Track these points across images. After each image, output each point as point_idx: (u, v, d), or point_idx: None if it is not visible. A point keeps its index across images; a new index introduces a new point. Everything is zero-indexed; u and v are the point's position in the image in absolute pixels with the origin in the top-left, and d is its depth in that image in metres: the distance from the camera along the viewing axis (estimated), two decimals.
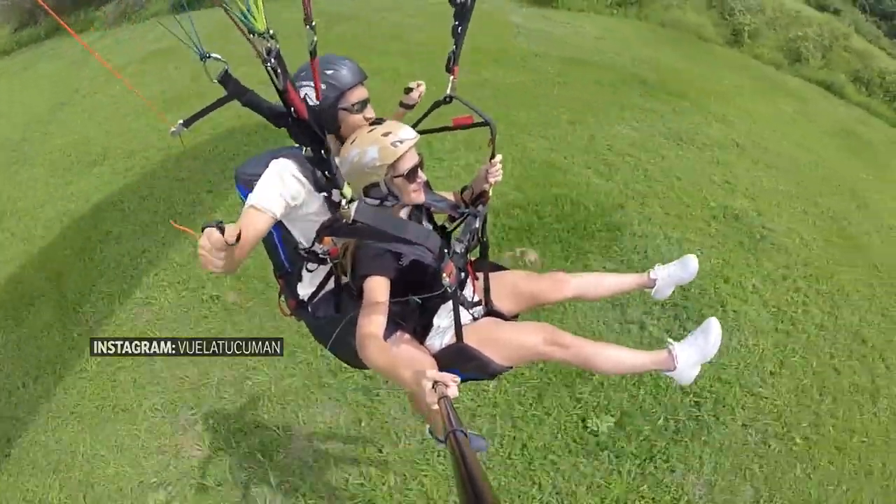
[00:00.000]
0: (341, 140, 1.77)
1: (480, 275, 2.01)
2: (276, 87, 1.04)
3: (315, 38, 1.07)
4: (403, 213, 1.81)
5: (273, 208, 1.57)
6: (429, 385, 1.20)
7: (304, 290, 1.96)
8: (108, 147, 6.69)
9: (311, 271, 1.91)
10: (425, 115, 1.96)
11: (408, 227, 1.53)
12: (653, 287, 2.16)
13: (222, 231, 1.11)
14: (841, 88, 12.75)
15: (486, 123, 1.82)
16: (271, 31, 0.97)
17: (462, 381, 1.79)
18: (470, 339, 1.76)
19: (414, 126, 1.83)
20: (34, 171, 6.71)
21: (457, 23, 1.74)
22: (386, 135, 1.63)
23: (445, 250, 1.71)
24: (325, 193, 1.65)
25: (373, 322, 1.53)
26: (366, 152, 1.63)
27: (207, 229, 1.12)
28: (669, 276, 2.13)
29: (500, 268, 2.18)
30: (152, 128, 6.62)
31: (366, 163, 1.63)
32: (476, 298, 1.98)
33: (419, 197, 1.74)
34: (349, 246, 1.73)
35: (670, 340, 1.86)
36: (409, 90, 2.04)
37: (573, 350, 1.76)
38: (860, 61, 13.83)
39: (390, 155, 1.61)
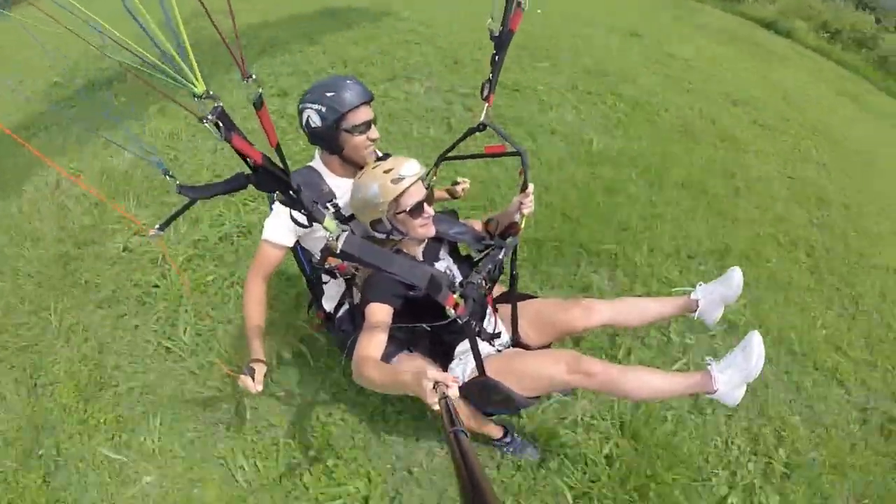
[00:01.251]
0: (347, 161, 1.80)
1: (501, 307, 1.99)
2: (223, 139, 1.06)
3: (260, 91, 1.11)
4: (420, 248, 1.79)
5: (282, 241, 1.76)
6: (429, 385, 1.18)
7: (328, 304, 2.02)
8: None
9: (325, 283, 1.98)
10: (458, 142, 1.96)
11: (394, 261, 1.49)
12: (695, 310, 1.95)
13: (253, 376, 1.60)
14: (789, 30, 10.78)
15: (517, 153, 1.80)
16: (210, 91, 0.99)
17: (490, 415, 1.91)
18: (490, 370, 1.69)
19: (446, 152, 1.97)
20: None
21: (495, 52, 1.77)
22: (387, 171, 1.62)
23: (456, 282, 1.73)
24: (334, 210, 1.77)
25: (370, 346, 1.55)
26: (368, 188, 1.63)
27: (242, 377, 1.59)
28: (712, 293, 1.94)
29: (527, 297, 2.08)
30: None
31: (368, 199, 1.63)
32: (497, 330, 1.92)
33: (427, 231, 1.72)
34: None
35: (709, 360, 1.72)
36: (455, 184, 2.16)
37: (600, 378, 1.64)
38: (833, 14, 11.72)
39: (390, 192, 1.60)
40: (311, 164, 1.87)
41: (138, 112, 4.41)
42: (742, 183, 3.90)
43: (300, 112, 1.74)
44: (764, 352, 1.61)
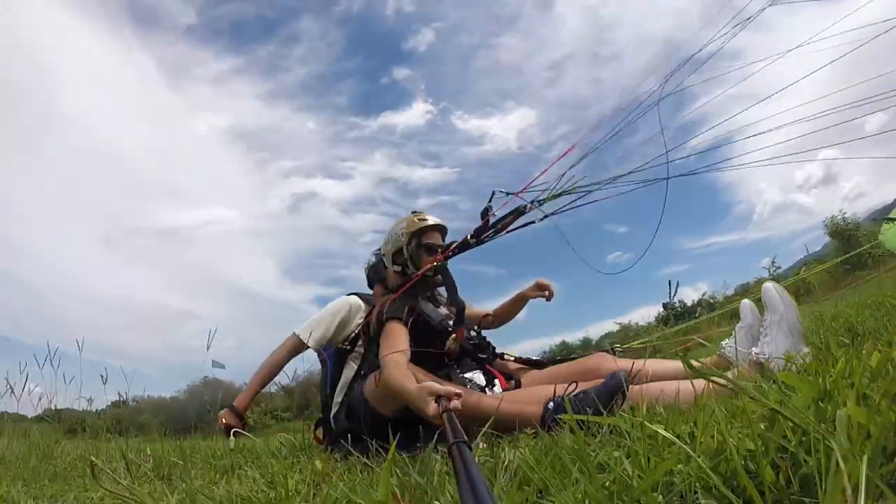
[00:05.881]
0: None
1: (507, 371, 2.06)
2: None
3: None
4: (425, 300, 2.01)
5: (306, 338, 2.17)
6: (432, 400, 1.24)
7: (334, 409, 2.13)
8: None
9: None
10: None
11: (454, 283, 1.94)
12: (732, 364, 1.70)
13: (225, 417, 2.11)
14: None
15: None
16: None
17: None
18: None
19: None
20: None
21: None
22: (415, 213, 2.13)
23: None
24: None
25: (397, 354, 1.67)
26: (398, 224, 2.09)
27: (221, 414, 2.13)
28: (737, 333, 1.73)
29: (537, 363, 2.12)
30: None
31: (395, 230, 2.08)
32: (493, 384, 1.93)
33: (429, 267, 1.98)
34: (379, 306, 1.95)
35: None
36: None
37: (619, 364, 1.68)
38: None
39: (414, 224, 2.04)
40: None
41: None
42: None
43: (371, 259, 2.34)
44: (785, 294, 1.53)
